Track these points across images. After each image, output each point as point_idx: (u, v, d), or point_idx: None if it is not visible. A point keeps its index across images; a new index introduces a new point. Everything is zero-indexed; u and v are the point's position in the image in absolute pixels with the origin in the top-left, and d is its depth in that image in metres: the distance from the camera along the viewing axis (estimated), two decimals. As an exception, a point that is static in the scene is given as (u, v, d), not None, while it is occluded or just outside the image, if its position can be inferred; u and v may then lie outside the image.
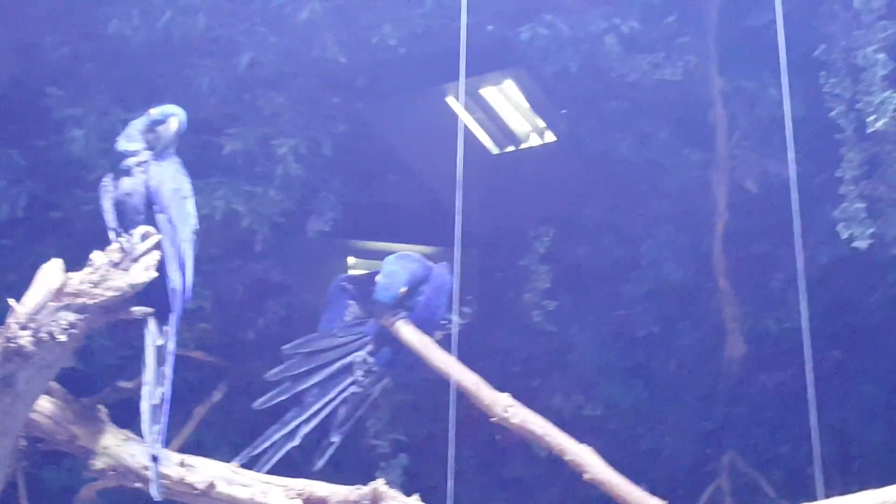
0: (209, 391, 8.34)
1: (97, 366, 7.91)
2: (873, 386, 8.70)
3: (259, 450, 6.32)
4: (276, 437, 6.43)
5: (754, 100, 7.76)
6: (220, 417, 8.47)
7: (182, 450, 5.84)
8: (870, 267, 7.92)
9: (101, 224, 7.62)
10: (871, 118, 6.94)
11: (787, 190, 7.67)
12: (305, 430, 6.52)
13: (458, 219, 5.15)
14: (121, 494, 7.83)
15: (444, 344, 6.84)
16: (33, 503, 6.88)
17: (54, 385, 5.17)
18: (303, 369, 6.66)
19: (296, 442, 6.45)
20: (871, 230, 7.11)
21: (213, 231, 7.63)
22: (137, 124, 5.52)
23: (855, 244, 7.14)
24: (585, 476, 6.16)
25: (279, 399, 6.56)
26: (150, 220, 5.25)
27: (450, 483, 4.93)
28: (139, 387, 5.52)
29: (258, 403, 6.56)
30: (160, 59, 7.71)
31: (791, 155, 5.06)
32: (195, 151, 7.00)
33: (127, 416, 5.59)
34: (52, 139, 7.87)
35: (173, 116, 5.44)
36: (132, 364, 7.95)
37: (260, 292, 8.49)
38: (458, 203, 5.16)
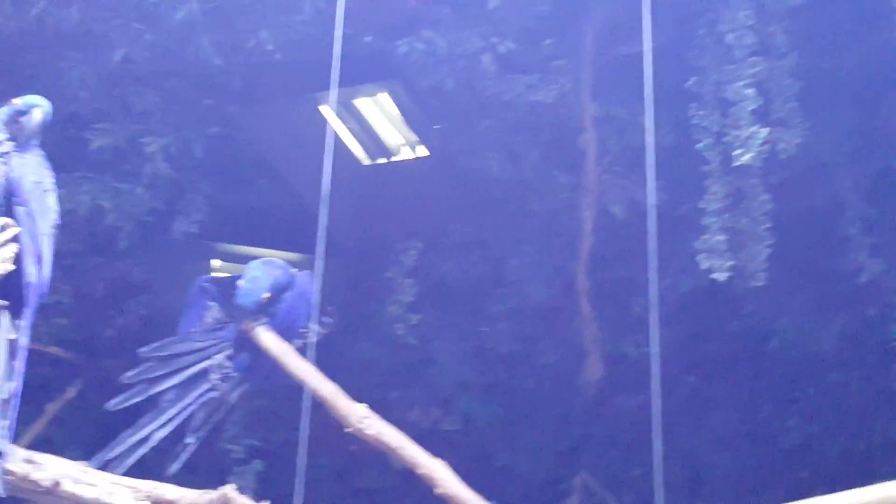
0: (63, 388, 8.20)
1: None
2: (724, 413, 8.88)
3: (114, 453, 6.23)
4: (131, 440, 6.35)
5: (624, 127, 7.87)
6: (73, 415, 8.36)
7: (31, 446, 5.73)
8: (728, 297, 8.07)
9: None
10: (738, 152, 7.05)
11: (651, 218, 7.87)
12: (161, 434, 6.44)
13: (322, 230, 5.14)
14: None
15: (305, 352, 6.85)
16: None
17: None
18: (160, 373, 6.57)
19: (150, 445, 6.38)
20: (731, 263, 7.23)
21: (76, 226, 7.55)
22: (0, 114, 5.43)
23: (714, 276, 7.25)
24: (437, 490, 6.19)
25: (134, 401, 6.48)
26: (9, 213, 5.15)
27: (298, 487, 4.91)
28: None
29: (112, 404, 6.47)
30: (31, 50, 7.58)
31: (651, 184, 5.13)
32: (62, 145, 6.93)
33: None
34: (-83, 127, 7.71)
35: (37, 108, 5.33)
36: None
37: (121, 290, 8.40)
38: (323, 216, 5.15)
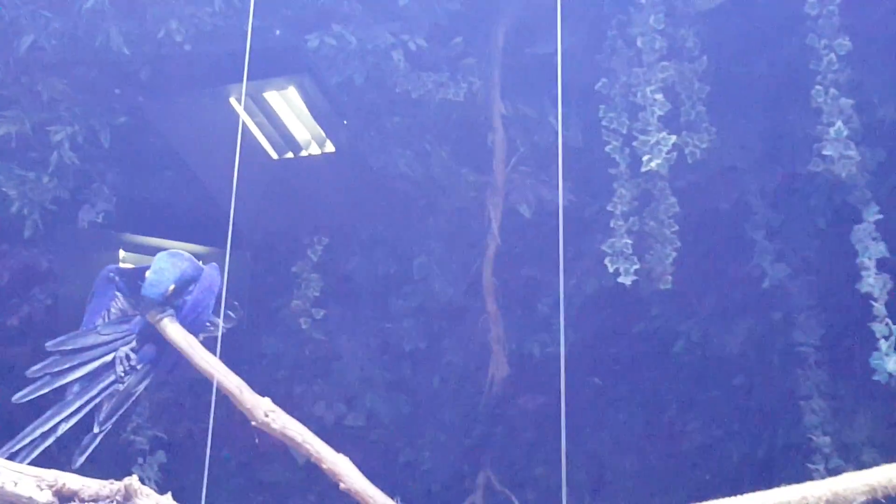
0: (-35, 376, 8.11)
1: None
2: (628, 414, 8.98)
3: (20, 445, 6.19)
4: (37, 433, 6.31)
5: (533, 126, 7.94)
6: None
7: (-73, 436, 5.70)
8: (634, 300, 8.15)
9: None
10: (646, 157, 7.09)
11: (557, 218, 7.93)
12: (66, 426, 6.41)
13: (230, 223, 5.12)
14: None
15: (211, 345, 6.83)
16: None
17: None
18: (65, 366, 6.54)
19: (55, 436, 6.35)
20: (637, 266, 7.29)
21: (-21, 214, 7.49)
22: None
23: (620, 279, 7.31)
24: (341, 486, 6.19)
25: (39, 394, 6.44)
26: None
27: (204, 482, 4.90)
28: None
29: (17, 397, 6.42)
30: (-64, 35, 7.53)
31: (560, 183, 5.16)
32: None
33: None
34: None
35: None
36: None
37: (26, 279, 8.33)
38: (232, 207, 5.12)
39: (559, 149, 5.06)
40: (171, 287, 6.68)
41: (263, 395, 6.43)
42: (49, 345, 6.52)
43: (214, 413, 8.43)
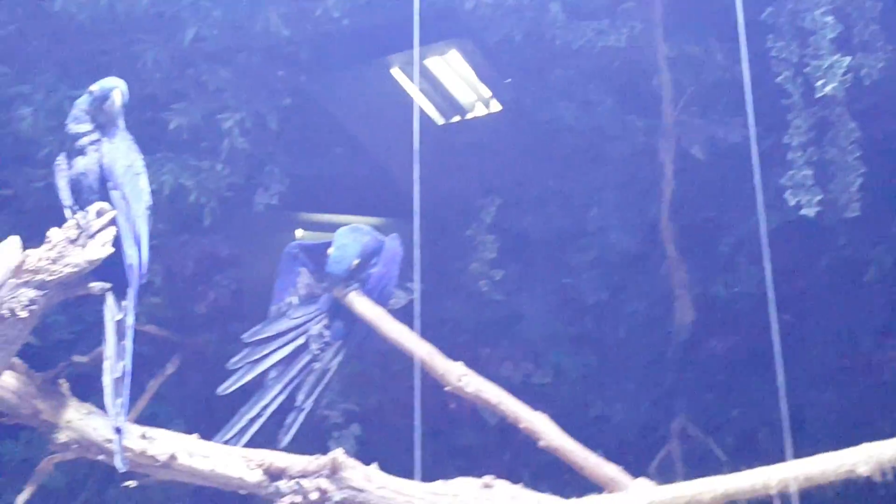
0: (162, 364, 8.31)
1: (51, 341, 7.92)
2: (821, 349, 8.78)
3: (230, 434, 6.37)
4: (244, 420, 6.48)
5: (699, 65, 7.81)
6: (174, 390, 8.47)
7: (137, 423, 5.84)
8: (819, 230, 7.97)
9: (53, 200, 7.64)
10: (820, 83, 6.93)
11: (734, 155, 7.79)
12: (270, 409, 6.58)
13: (416, 191, 5.14)
14: (78, 466, 7.90)
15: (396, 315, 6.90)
16: (-7, 476, 6.89)
17: (16, 360, 5.17)
18: (261, 354, 6.69)
19: (262, 421, 6.51)
20: (819, 197, 7.13)
21: (161, 206, 7.60)
22: (82, 104, 5.49)
23: (803, 212, 7.16)
24: (540, 443, 6.19)
25: (240, 384, 6.60)
26: (105, 197, 5.25)
27: (417, 453, 4.94)
28: (94, 361, 5.53)
29: (221, 389, 6.59)
30: (105, 36, 7.69)
31: (751, 120, 5.05)
32: (141, 127, 6.96)
33: (82, 390, 5.59)
34: (0, 117, 7.84)
35: (115, 90, 5.40)
36: (85, 338, 8.00)
37: (210, 266, 8.49)
38: (416, 173, 5.14)
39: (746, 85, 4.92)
40: (355, 261, 6.77)
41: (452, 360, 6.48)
42: (244, 336, 6.69)
43: (403, 382, 8.56)
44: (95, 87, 5.45)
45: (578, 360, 8.86)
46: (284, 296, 6.94)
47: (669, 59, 7.73)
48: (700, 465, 8.22)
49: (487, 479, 5.49)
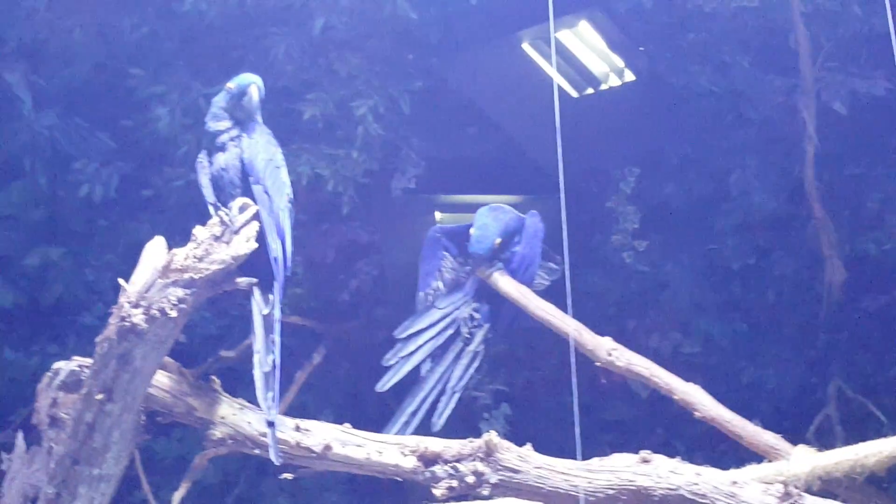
0: (308, 355, 8.37)
1: (198, 337, 8.03)
2: None
3: (395, 428, 6.43)
4: (407, 412, 6.55)
5: (836, 19, 7.62)
6: (321, 380, 8.54)
7: (287, 413, 5.90)
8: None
9: (192, 198, 7.76)
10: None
11: (877, 109, 7.59)
12: (429, 401, 6.63)
13: (559, 166, 5.08)
14: (231, 461, 8.02)
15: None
16: (148, 474, 6.98)
17: (168, 360, 5.25)
18: (414, 347, 6.74)
19: (422, 411, 6.58)
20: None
21: (299, 196, 7.64)
22: (219, 101, 5.56)
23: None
24: (696, 414, 6.12)
25: (397, 379, 6.66)
26: (247, 192, 5.30)
27: (576, 430, 4.90)
28: (240, 355, 5.59)
29: (380, 386, 6.64)
30: (235, 31, 7.78)
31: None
32: (276, 119, 7.02)
33: (230, 385, 5.66)
34: (137, 119, 8.00)
35: (251, 85, 5.46)
36: (231, 333, 8.10)
37: (351, 254, 8.52)
38: (559, 150, 5.07)
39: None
40: (497, 241, 6.77)
41: (599, 335, 6.43)
42: (396, 333, 6.72)
43: (550, 360, 8.52)
44: (232, 84, 5.51)
45: (727, 328, 8.73)
46: (430, 280, 6.96)
47: (804, 14, 7.54)
48: (860, 429, 8.05)
49: (644, 453, 5.42)
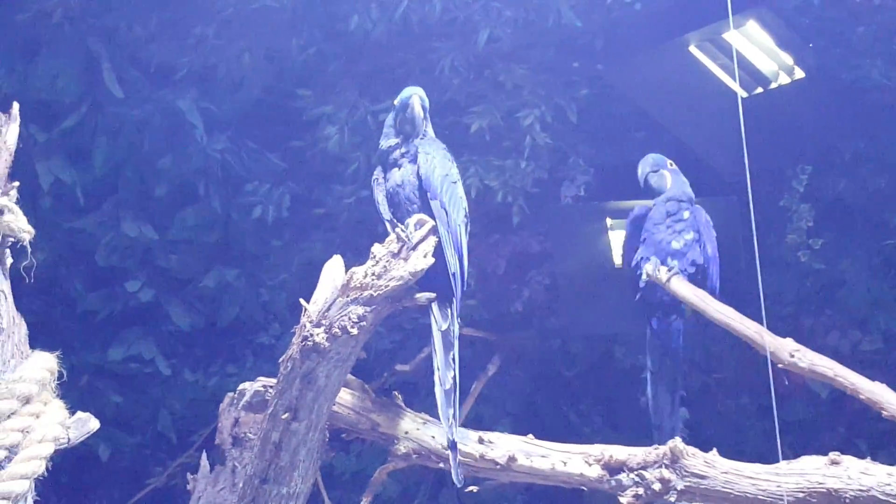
0: (483, 366, 8.41)
1: (372, 351, 8.11)
2: None
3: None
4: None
5: None
6: (496, 391, 8.57)
7: (464, 425, 5.93)
8: None
9: (364, 215, 7.86)
10: None
11: None
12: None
13: (747, 168, 5.03)
14: (410, 474, 8.10)
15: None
16: (328, 489, 7.08)
17: (350, 377, 5.31)
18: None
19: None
20: None
21: (470, 208, 7.71)
22: (389, 120, 5.62)
23: None
24: (884, 413, 5.99)
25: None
26: (425, 208, 5.33)
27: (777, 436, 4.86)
28: (415, 369, 5.63)
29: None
30: (400, 48, 7.86)
31: None
32: (444, 133, 7.09)
33: (407, 398, 5.72)
34: (306, 139, 8.13)
35: (412, 97, 5.50)
36: (405, 347, 8.18)
37: (522, 263, 8.53)
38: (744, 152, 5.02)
39: None
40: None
41: (777, 335, 6.33)
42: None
43: (728, 362, 8.43)
44: (396, 101, 5.56)
45: (908, 322, 8.54)
46: (631, 258, 6.93)
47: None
48: None
49: (834, 455, 5.34)
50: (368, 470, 7.45)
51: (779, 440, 4.89)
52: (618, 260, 7.72)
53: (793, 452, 5.60)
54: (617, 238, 7.78)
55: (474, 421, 7.83)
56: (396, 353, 8.18)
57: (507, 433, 5.74)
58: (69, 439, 3.99)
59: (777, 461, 5.36)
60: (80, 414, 4.09)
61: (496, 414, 8.48)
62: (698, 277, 6.75)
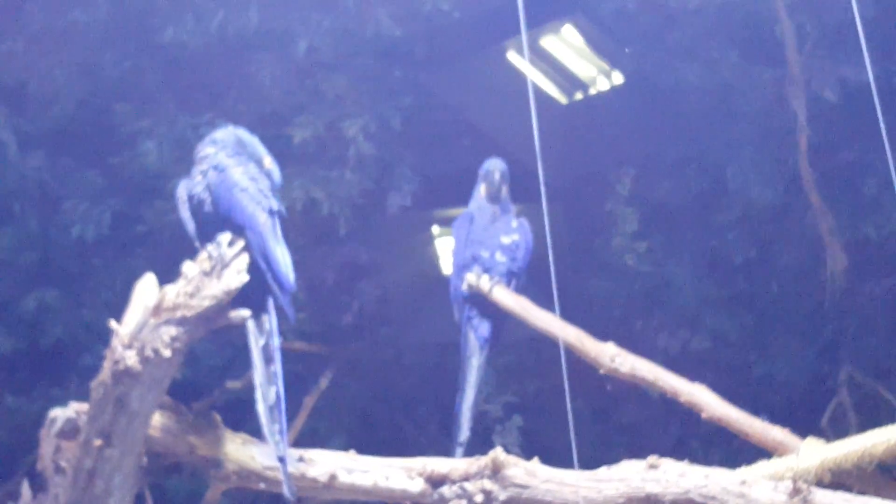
0: (315, 379, 8.32)
1: (203, 369, 7.97)
2: None
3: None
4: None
5: (820, 7, 7.58)
6: (330, 404, 8.49)
7: (298, 440, 5.86)
8: None
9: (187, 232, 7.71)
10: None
11: (868, 94, 7.54)
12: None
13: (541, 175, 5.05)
14: (245, 492, 7.96)
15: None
16: (161, 511, 6.94)
17: (166, 398, 5.16)
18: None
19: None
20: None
21: (296, 221, 7.63)
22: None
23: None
24: (703, 415, 6.06)
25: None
26: (225, 223, 5.18)
27: (573, 445, 4.86)
28: (248, 384, 5.50)
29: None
30: (219, 60, 7.73)
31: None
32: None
33: (239, 416, 5.61)
34: (125, 154, 7.94)
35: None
36: (237, 363, 8.04)
37: (351, 274, 8.48)
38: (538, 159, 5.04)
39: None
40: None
41: (604, 338, 6.37)
42: None
43: (559, 367, 8.47)
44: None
45: (735, 321, 8.70)
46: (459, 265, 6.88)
47: (788, 4, 7.52)
48: (873, 414, 8.02)
49: (652, 459, 5.36)
50: (202, 489, 7.30)
51: (574, 448, 4.87)
52: (446, 268, 7.68)
53: (628, 455, 5.61)
54: (444, 246, 7.75)
55: (309, 435, 7.73)
56: (227, 370, 8.03)
57: (339, 450, 5.66)
58: None
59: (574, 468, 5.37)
60: None
61: (331, 427, 8.40)
62: (520, 285, 6.73)
